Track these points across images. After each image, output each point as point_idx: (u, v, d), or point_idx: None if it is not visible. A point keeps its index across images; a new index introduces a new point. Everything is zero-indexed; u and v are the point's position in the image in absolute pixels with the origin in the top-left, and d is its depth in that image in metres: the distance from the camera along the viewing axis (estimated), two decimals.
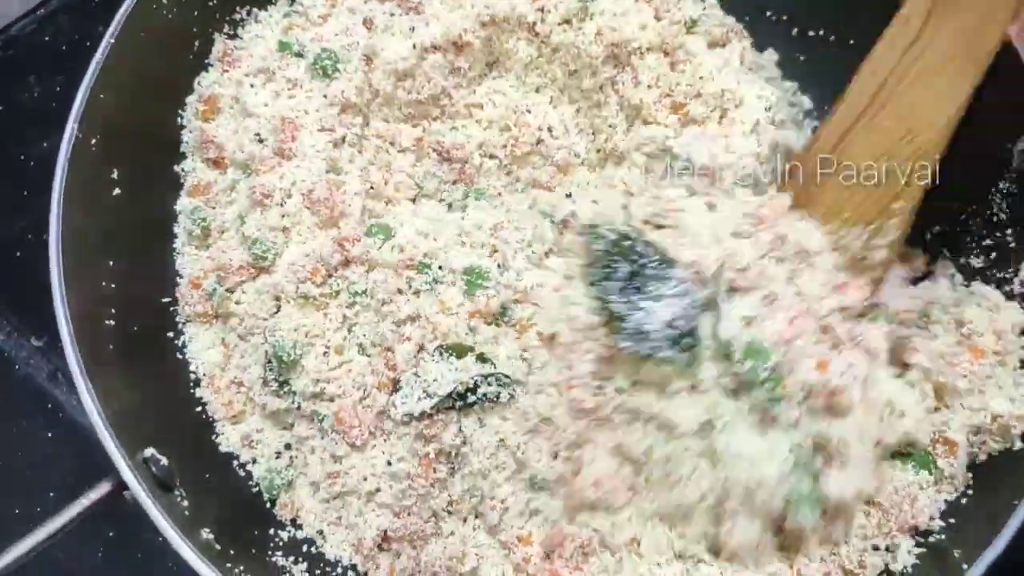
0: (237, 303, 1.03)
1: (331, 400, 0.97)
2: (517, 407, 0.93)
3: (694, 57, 1.10)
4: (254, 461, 1.02)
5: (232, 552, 0.89)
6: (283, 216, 1.02)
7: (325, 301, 1.00)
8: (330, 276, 1.00)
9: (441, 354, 0.94)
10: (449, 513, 0.95)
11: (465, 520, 0.96)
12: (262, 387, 1.00)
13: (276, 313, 1.01)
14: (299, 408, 0.99)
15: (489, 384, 0.92)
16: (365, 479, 0.96)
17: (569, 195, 1.08)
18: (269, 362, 0.98)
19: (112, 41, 1.00)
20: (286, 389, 0.99)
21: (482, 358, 0.94)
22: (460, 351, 0.94)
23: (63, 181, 0.94)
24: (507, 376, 0.93)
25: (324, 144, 1.05)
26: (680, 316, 0.89)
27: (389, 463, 0.95)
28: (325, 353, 0.98)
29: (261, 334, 1.00)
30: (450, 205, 1.10)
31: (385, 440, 0.96)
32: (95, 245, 0.98)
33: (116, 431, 0.86)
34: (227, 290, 1.03)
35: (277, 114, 1.06)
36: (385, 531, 0.95)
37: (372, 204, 1.05)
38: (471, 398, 0.92)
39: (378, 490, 0.96)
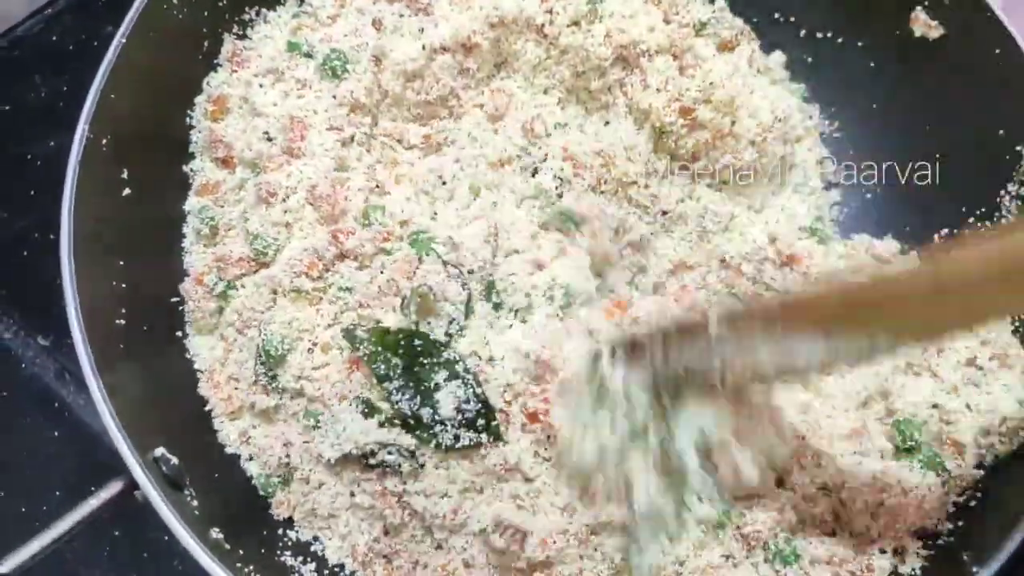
0: (237, 297, 1.03)
1: (311, 400, 0.97)
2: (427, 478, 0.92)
3: (704, 61, 1.10)
4: (251, 458, 1.01)
5: (242, 552, 0.89)
6: (285, 212, 1.02)
7: (318, 296, 1.00)
8: (327, 271, 1.00)
9: (356, 405, 0.93)
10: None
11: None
12: (253, 382, 1.00)
13: (272, 307, 1.01)
14: (286, 405, 0.99)
15: (389, 453, 0.91)
16: (334, 500, 0.96)
17: None
18: (259, 356, 0.98)
19: (123, 41, 1.00)
20: (274, 385, 0.99)
21: (391, 422, 0.92)
22: (371, 410, 0.93)
23: (74, 182, 0.94)
24: (408, 450, 0.91)
25: (332, 143, 1.05)
26: (464, 399, 0.90)
27: (352, 493, 0.95)
28: (310, 350, 0.98)
29: (257, 327, 1.00)
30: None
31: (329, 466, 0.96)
32: (105, 245, 0.98)
33: (127, 430, 0.86)
34: (228, 284, 1.03)
35: (286, 113, 1.06)
36: (377, 538, 0.96)
37: (376, 200, 1.05)
38: (372, 461, 0.92)
39: (357, 506, 0.96)
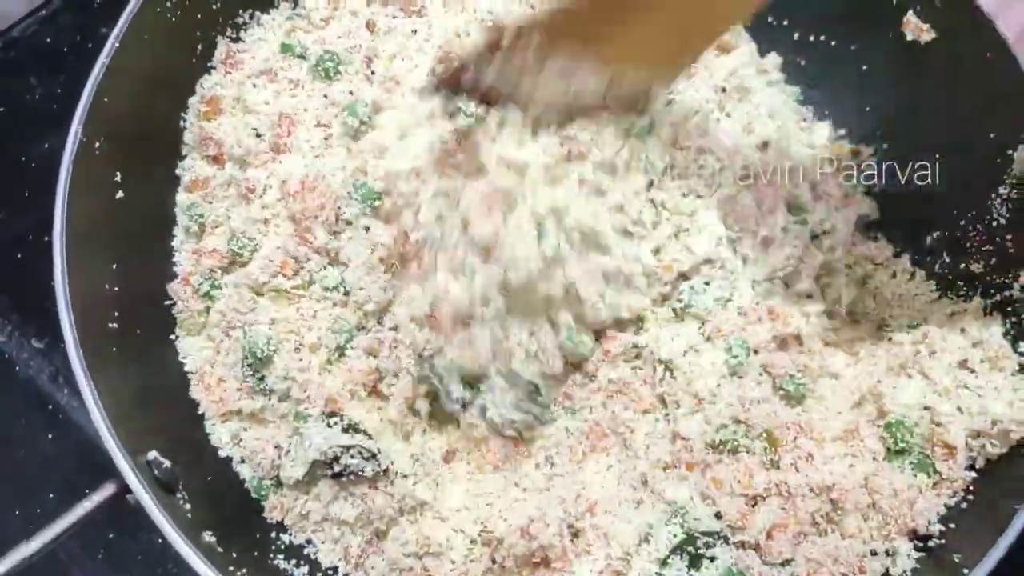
0: (220, 298, 1.03)
1: (298, 402, 0.98)
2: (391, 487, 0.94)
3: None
4: (243, 461, 1.02)
5: (234, 555, 0.89)
6: (263, 208, 1.02)
7: (298, 294, 1.00)
8: (301, 268, 1.00)
9: (321, 419, 0.95)
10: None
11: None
12: (240, 385, 1.00)
13: (255, 308, 1.01)
14: (275, 407, 1.00)
15: (352, 457, 0.92)
16: (326, 506, 0.96)
17: None
18: (246, 358, 0.98)
19: (116, 44, 0.99)
20: (261, 386, 0.99)
21: (355, 428, 0.94)
22: (332, 415, 0.95)
23: (67, 184, 0.94)
24: (370, 450, 0.93)
25: (319, 140, 1.05)
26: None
27: (326, 506, 0.96)
28: (297, 350, 0.98)
29: (241, 328, 1.00)
30: None
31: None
32: (98, 248, 0.98)
33: (119, 433, 0.86)
34: (212, 284, 1.03)
35: (276, 110, 1.06)
36: (370, 540, 0.96)
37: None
38: (336, 468, 0.92)
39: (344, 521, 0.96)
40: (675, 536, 0.92)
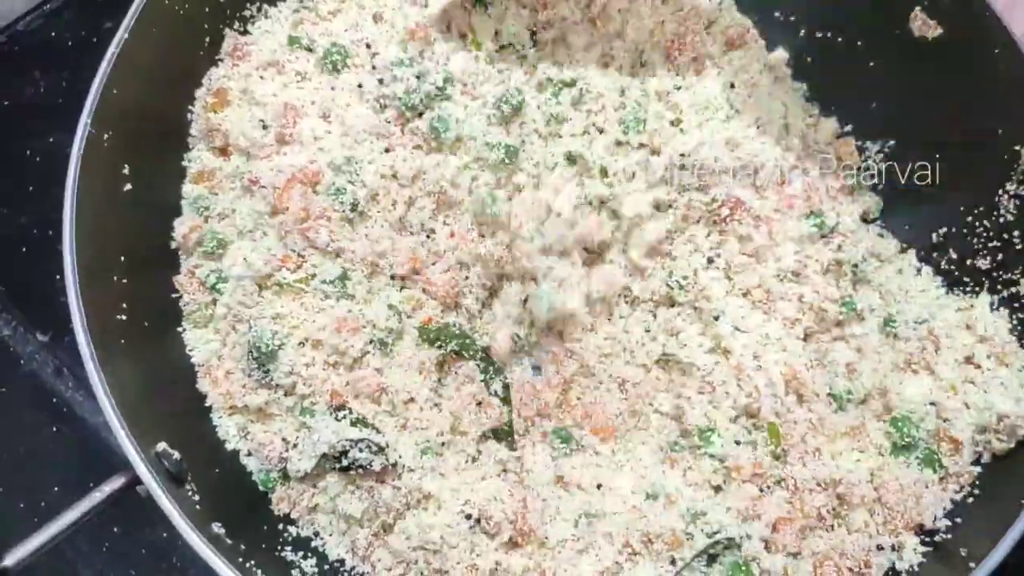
0: (226, 291, 1.03)
1: (302, 397, 0.98)
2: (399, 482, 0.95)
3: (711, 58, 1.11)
4: (250, 454, 1.01)
5: (243, 546, 0.89)
6: (266, 202, 1.02)
7: (300, 288, 1.00)
8: (304, 262, 1.00)
9: (329, 412, 0.95)
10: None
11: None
12: (246, 379, 1.00)
13: (260, 302, 1.01)
14: (280, 401, 1.00)
15: (360, 450, 0.93)
16: (332, 499, 0.97)
17: None
18: (251, 352, 0.98)
19: (125, 36, 0.99)
20: (266, 380, 0.99)
21: (363, 423, 0.94)
22: (341, 408, 0.96)
23: (76, 177, 0.93)
24: (378, 444, 0.93)
25: (323, 131, 1.05)
26: None
27: (333, 499, 0.96)
28: (301, 344, 0.98)
29: (247, 322, 1.00)
30: None
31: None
32: (107, 241, 0.98)
33: (130, 426, 0.86)
34: (219, 278, 1.03)
35: (283, 101, 1.06)
36: (376, 533, 0.96)
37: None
38: (344, 462, 0.93)
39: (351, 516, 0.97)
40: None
